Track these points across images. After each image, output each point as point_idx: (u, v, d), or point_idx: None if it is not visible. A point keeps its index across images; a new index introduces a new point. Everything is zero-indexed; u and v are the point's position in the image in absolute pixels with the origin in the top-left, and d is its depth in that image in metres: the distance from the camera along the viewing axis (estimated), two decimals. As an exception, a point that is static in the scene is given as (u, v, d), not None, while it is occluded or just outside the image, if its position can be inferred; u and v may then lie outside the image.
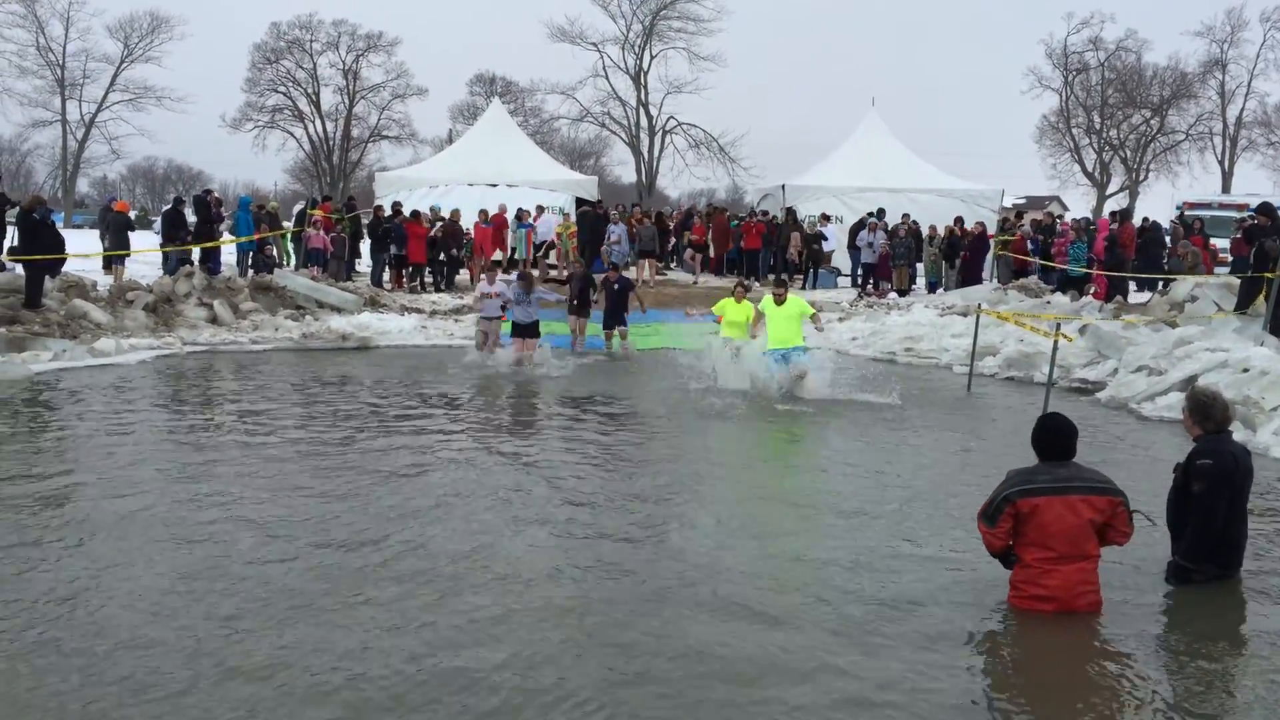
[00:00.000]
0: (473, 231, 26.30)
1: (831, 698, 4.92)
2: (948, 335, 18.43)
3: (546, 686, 4.96)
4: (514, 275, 18.09)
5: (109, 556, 6.71)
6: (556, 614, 5.88)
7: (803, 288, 27.36)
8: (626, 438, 11.17)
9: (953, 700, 4.92)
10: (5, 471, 8.78)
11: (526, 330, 16.49)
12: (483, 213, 26.89)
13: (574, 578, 6.49)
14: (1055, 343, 13.22)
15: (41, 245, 17.34)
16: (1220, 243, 28.11)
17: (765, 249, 28.97)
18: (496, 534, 7.33)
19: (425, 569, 6.56)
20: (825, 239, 27.94)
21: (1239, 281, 17.05)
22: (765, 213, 30.58)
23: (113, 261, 23.89)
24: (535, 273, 21.67)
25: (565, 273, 25.67)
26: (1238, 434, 11.41)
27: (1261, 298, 15.73)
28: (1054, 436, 6.07)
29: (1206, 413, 6.59)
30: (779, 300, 13.96)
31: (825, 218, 28.86)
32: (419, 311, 21.13)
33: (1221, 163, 57.14)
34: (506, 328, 16.86)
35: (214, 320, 18.49)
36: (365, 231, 25.33)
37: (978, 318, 16.06)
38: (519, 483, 8.84)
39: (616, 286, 18.67)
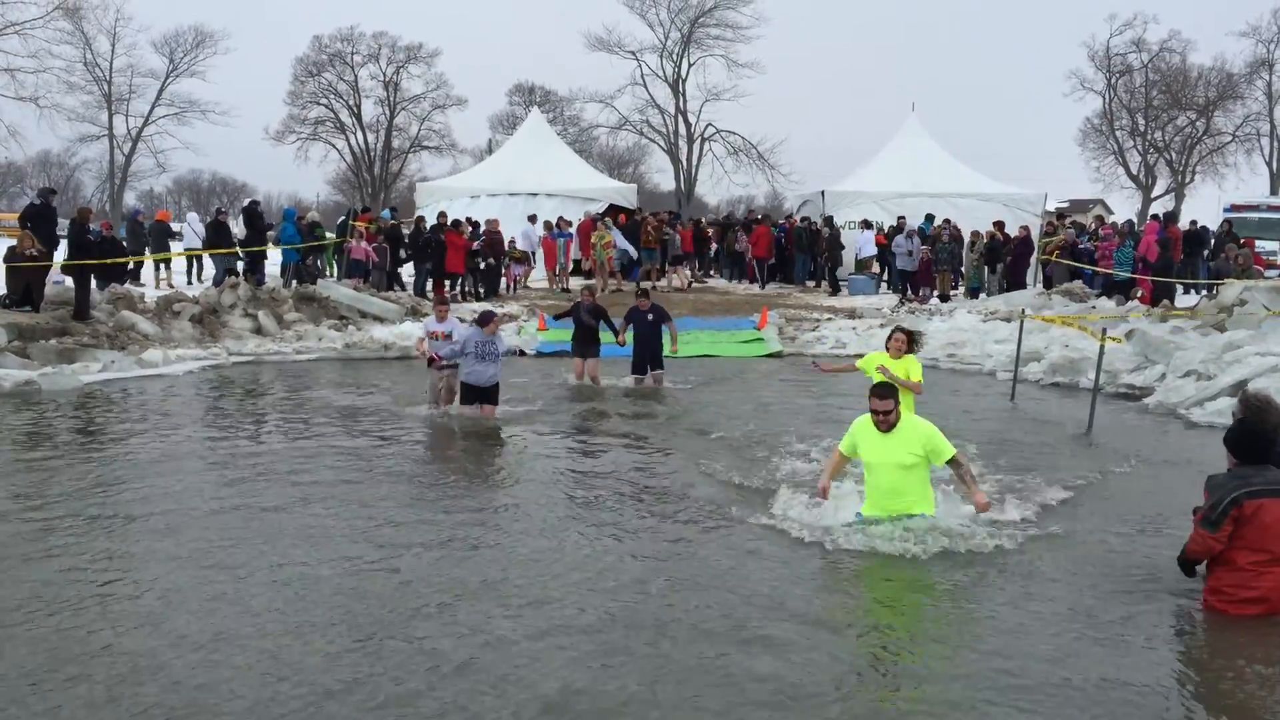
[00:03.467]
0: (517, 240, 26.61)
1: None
2: (991, 341, 18.25)
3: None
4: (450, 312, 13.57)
5: (159, 570, 6.80)
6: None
7: (836, 293, 27.34)
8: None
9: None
10: (60, 482, 8.93)
11: (484, 395, 12.12)
12: (547, 223, 27.13)
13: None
14: (1101, 347, 13.07)
15: (92, 258, 17.66)
16: (1271, 245, 27.73)
17: (802, 255, 28.95)
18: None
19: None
20: (839, 238, 28.04)
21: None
22: (795, 217, 30.56)
23: (155, 270, 24.62)
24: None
25: (603, 288, 25.73)
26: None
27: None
28: (1260, 439, 6.10)
29: (1262, 417, 6.53)
30: (883, 421, 7.53)
31: (866, 224, 28.79)
32: (461, 321, 21.18)
33: (1269, 164, 56.23)
34: None
35: (259, 331, 18.69)
36: (406, 241, 25.48)
37: (1021, 323, 15.89)
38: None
39: (650, 318, 14.65)
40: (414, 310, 21.57)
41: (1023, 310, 17.16)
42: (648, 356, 14.70)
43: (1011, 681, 5.16)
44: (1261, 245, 26.85)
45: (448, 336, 12.64)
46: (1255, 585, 5.89)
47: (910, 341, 9.86)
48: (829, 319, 22.61)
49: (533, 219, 27.58)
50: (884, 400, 7.49)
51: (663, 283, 27.90)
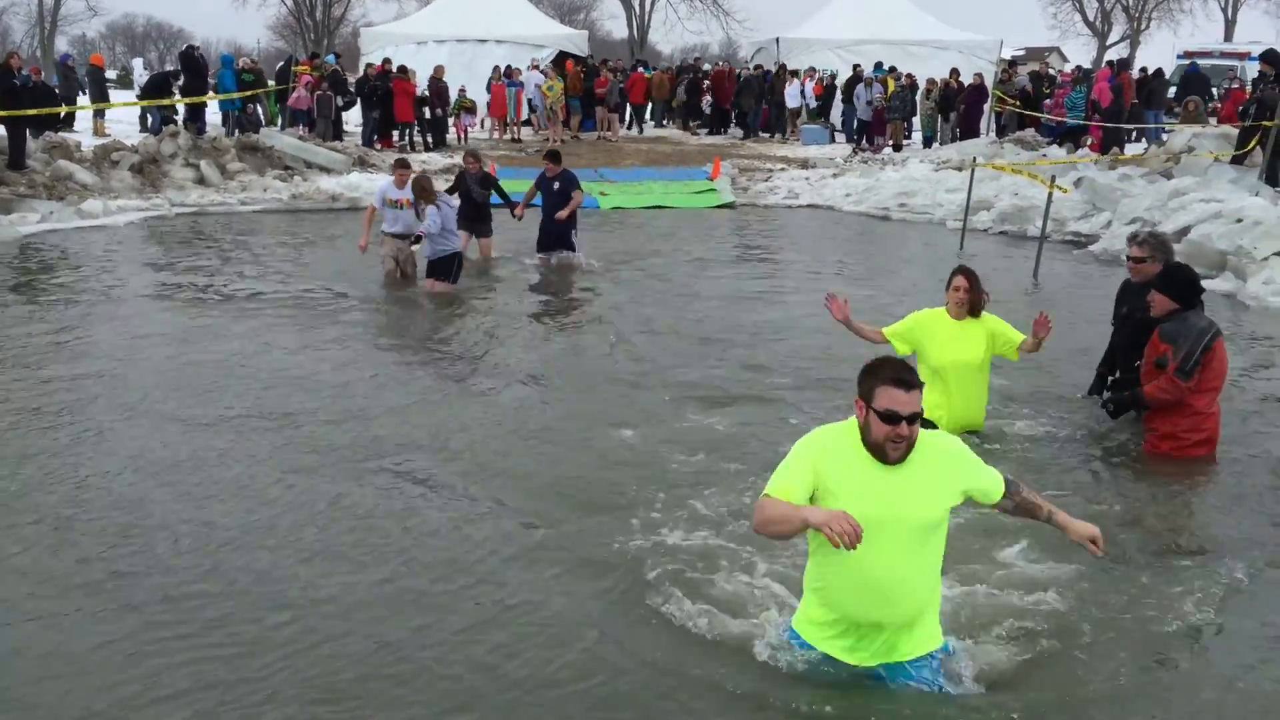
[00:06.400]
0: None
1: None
2: (942, 190, 18.28)
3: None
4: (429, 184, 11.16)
5: (109, 427, 6.81)
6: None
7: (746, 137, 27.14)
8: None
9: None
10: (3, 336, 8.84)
11: (440, 268, 10.99)
12: (496, 68, 26.46)
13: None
14: (1050, 195, 13.14)
15: (24, 106, 17.06)
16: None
17: (754, 104, 28.60)
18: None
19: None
20: (754, 84, 28.08)
21: (1237, 131, 16.88)
22: (722, 63, 30.04)
23: (95, 116, 24.01)
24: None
25: (553, 138, 25.28)
26: (1228, 284, 11.52)
27: (1257, 147, 15.57)
28: (1198, 283, 6.15)
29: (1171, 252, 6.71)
30: (898, 445, 3.55)
31: (795, 73, 28.39)
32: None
33: (1225, 10, 55.75)
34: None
35: (201, 181, 18.26)
36: (351, 89, 24.82)
37: (972, 172, 15.91)
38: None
39: (557, 187, 12.52)
40: (361, 161, 21.14)
41: (974, 159, 17.14)
42: (553, 233, 12.54)
43: None
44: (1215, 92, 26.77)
45: (411, 204, 11.14)
46: (1205, 427, 6.05)
47: (976, 292, 6.27)
48: (782, 169, 22.50)
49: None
50: (910, 391, 3.51)
51: (610, 133, 27.57)
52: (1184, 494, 5.80)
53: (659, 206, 18.54)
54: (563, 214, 12.28)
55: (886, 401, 3.48)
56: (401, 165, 11.75)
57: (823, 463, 3.60)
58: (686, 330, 9.42)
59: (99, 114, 24.12)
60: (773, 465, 3.72)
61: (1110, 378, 6.83)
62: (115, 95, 25.96)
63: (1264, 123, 15.20)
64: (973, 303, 6.22)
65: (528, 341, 9.09)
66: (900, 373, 3.52)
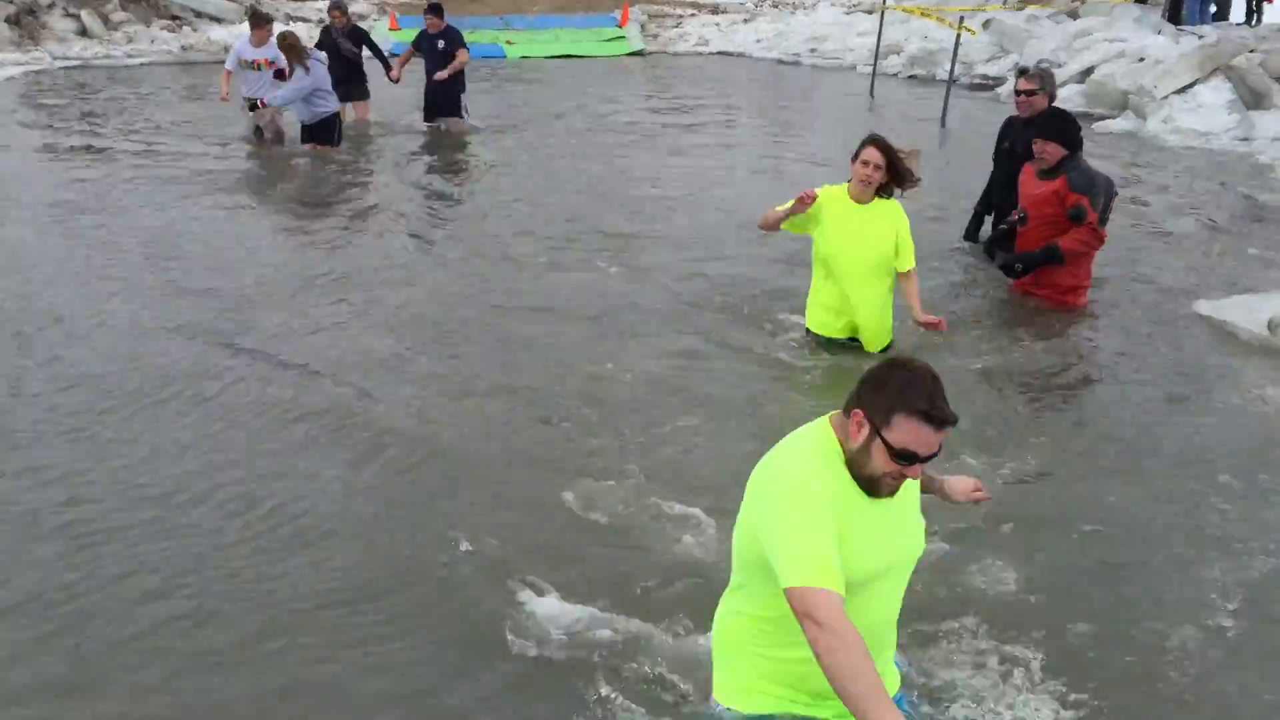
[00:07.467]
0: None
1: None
2: (853, 35, 18.15)
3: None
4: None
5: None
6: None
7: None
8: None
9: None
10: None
11: (320, 132, 10.06)
12: None
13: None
14: (958, 38, 13.10)
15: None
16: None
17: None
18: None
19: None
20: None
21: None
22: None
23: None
24: None
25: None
26: (1128, 123, 11.69)
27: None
28: (1079, 124, 6.04)
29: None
30: (885, 488, 2.50)
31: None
32: (305, 20, 20.03)
33: None
34: None
35: (84, 33, 17.36)
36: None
37: (882, 15, 15.76)
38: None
39: (440, 45, 11.07)
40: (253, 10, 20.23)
41: (884, 0, 16.96)
42: (439, 98, 11.22)
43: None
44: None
45: (272, 65, 9.93)
46: (1090, 271, 6.01)
47: (895, 171, 4.97)
48: (692, 15, 22.08)
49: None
50: (942, 429, 2.42)
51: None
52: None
53: (567, 56, 18.13)
54: (442, 75, 10.94)
55: (909, 439, 2.42)
56: (260, 20, 10.29)
57: (833, 513, 2.47)
58: (585, 187, 9.07)
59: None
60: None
61: (989, 218, 6.76)
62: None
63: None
64: (891, 180, 4.97)
65: (417, 205, 8.56)
66: (935, 401, 2.42)
